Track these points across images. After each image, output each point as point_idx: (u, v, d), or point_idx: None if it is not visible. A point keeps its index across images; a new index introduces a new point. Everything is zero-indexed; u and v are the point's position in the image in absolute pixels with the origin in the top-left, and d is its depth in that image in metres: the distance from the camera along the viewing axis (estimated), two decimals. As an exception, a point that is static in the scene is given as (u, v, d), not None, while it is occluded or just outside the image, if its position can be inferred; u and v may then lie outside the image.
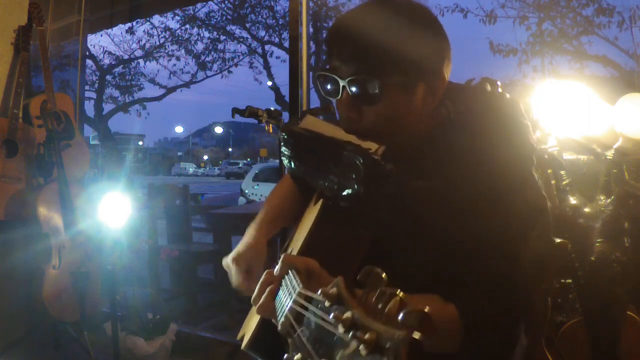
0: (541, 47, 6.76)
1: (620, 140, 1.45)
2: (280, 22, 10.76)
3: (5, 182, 2.61)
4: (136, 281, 2.93)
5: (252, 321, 0.92)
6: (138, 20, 10.00)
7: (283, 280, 0.72)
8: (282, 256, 0.74)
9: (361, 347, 0.39)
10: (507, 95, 0.89)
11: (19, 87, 2.72)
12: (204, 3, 10.65)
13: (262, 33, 11.10)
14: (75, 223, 2.50)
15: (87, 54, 7.77)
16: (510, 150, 0.83)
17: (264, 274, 0.76)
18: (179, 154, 52.50)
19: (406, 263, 0.76)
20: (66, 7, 3.71)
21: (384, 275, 0.47)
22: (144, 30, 13.24)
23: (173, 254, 3.40)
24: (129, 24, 10.69)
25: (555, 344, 1.44)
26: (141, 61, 12.08)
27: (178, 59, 11.99)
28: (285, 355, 0.49)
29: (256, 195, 10.68)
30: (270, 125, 1.76)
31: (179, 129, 67.07)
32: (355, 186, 0.80)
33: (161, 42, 11.74)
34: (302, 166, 0.92)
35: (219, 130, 54.17)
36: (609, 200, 1.45)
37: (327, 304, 0.47)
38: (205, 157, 49.11)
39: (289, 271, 0.71)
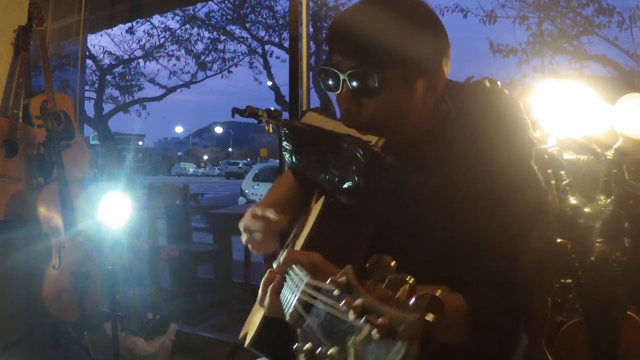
0: (541, 47, 6.76)
1: (620, 140, 1.45)
2: (280, 22, 10.76)
3: (5, 182, 2.61)
4: (136, 281, 2.92)
5: (255, 319, 0.92)
6: (138, 20, 10.00)
7: (287, 276, 0.72)
8: (285, 252, 0.74)
9: (374, 331, 0.39)
10: (506, 92, 0.89)
11: (19, 87, 2.72)
12: (204, 3, 10.66)
13: (262, 33, 11.10)
14: (75, 223, 2.50)
15: (87, 54, 7.77)
16: (511, 149, 0.83)
17: (267, 272, 0.76)
18: (179, 154, 52.51)
19: (406, 263, 0.76)
20: (66, 7, 3.70)
21: (393, 263, 0.47)
22: (144, 30, 13.24)
23: (173, 254, 3.40)
24: (129, 24, 10.69)
25: (555, 344, 1.44)
26: (141, 61, 12.08)
27: (178, 59, 12.00)
28: (296, 345, 0.49)
29: (256, 195, 10.68)
30: (270, 125, 1.76)
31: (179, 129, 67.15)
32: (356, 178, 0.80)
33: (161, 42, 11.74)
34: (303, 160, 0.92)
35: (219, 130, 54.17)
36: (609, 200, 1.45)
37: (336, 292, 0.47)
38: (205, 157, 49.11)
39: (293, 266, 0.71)
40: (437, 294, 0.41)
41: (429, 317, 0.39)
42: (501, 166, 0.81)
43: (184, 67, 12.41)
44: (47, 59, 2.79)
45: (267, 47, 11.23)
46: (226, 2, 10.92)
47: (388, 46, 0.80)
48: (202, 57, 11.80)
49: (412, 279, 0.44)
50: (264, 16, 10.85)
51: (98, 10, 4.19)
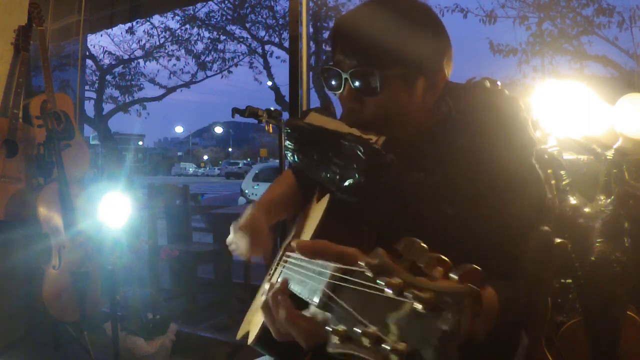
0: (541, 47, 6.76)
1: (620, 140, 1.45)
2: (280, 22, 10.76)
3: (5, 182, 2.61)
4: (136, 281, 2.92)
5: (257, 318, 0.93)
6: (138, 20, 10.01)
7: (290, 272, 0.71)
8: (294, 244, 0.72)
9: (418, 305, 0.38)
10: (506, 92, 0.90)
11: (19, 87, 2.72)
12: (204, 3, 10.66)
13: (262, 33, 11.10)
14: (75, 223, 2.50)
15: (87, 54, 7.78)
16: (511, 149, 0.84)
17: (267, 287, 0.74)
18: (179, 154, 52.53)
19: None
20: (66, 7, 3.71)
21: (425, 245, 0.46)
22: (144, 30, 13.25)
23: (173, 254, 3.40)
24: (129, 24, 10.70)
25: (555, 344, 1.44)
26: (141, 61, 12.08)
27: (178, 59, 12.00)
28: (328, 327, 0.48)
29: (256, 195, 10.68)
30: (270, 125, 1.76)
31: (179, 129, 67.09)
32: (356, 175, 0.82)
33: (161, 42, 11.74)
34: (305, 159, 0.94)
35: (219, 130, 54.19)
36: (609, 200, 1.45)
37: (370, 274, 0.46)
38: (205, 157, 49.13)
39: (295, 259, 0.70)
40: (476, 267, 0.40)
41: (474, 287, 0.38)
42: (501, 166, 0.81)
43: (184, 67, 12.45)
44: (47, 59, 2.79)
45: (267, 47, 11.24)
46: (226, 2, 10.93)
47: (389, 46, 0.82)
48: (202, 57, 11.81)
49: (447, 258, 0.43)
50: (264, 16, 10.86)
51: (98, 10, 4.20)
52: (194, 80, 12.55)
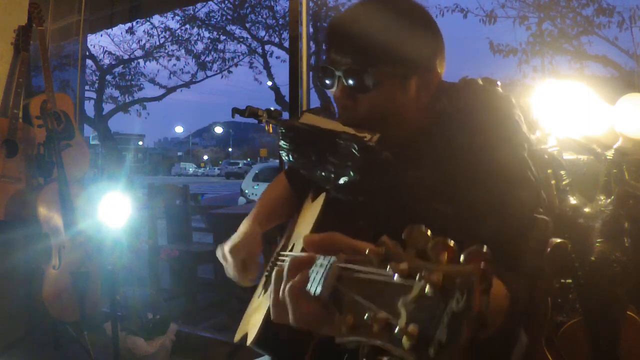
0: (541, 47, 6.76)
1: (620, 140, 1.45)
2: (280, 22, 10.76)
3: (5, 182, 2.61)
4: (136, 281, 2.93)
5: (255, 318, 0.93)
6: (138, 20, 10.01)
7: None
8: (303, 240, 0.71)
9: (427, 288, 0.38)
10: (500, 90, 0.91)
11: (19, 87, 2.72)
12: (204, 3, 10.67)
13: (262, 33, 11.10)
14: (75, 223, 2.50)
15: (87, 54, 7.78)
16: (510, 149, 0.84)
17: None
18: (179, 154, 52.54)
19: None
20: (66, 7, 3.70)
21: (429, 232, 0.46)
22: (144, 30, 13.23)
23: (173, 254, 3.40)
24: (129, 24, 10.70)
25: (555, 344, 1.44)
26: (141, 61, 12.09)
27: (178, 59, 12.00)
28: (337, 316, 0.48)
29: (256, 195, 10.67)
30: (270, 125, 1.76)
31: (179, 129, 67.10)
32: (351, 173, 0.82)
33: (161, 42, 11.74)
34: (301, 158, 0.94)
35: (219, 130, 54.20)
36: (609, 200, 1.45)
37: (375, 261, 0.46)
38: (205, 157, 49.14)
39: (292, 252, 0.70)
40: (485, 250, 0.40)
41: (483, 265, 0.38)
42: (501, 166, 0.82)
43: (184, 67, 12.45)
44: (47, 59, 2.79)
45: (267, 47, 11.25)
46: (226, 2, 10.93)
47: (382, 45, 0.83)
48: (202, 57, 11.82)
49: (452, 241, 0.43)
50: (264, 16, 10.87)
51: (98, 10, 4.19)
52: (194, 80, 12.57)
